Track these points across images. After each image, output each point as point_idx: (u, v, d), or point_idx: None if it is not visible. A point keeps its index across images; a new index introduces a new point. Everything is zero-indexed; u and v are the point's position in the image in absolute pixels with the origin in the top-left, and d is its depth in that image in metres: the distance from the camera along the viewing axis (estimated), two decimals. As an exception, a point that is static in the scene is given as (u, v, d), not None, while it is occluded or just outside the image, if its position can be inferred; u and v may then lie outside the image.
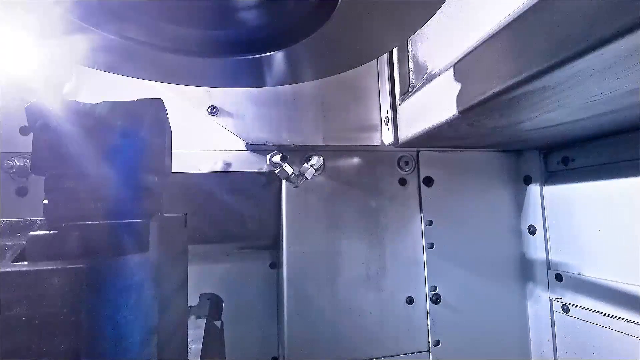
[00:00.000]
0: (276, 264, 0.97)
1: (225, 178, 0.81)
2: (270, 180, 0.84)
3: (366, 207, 0.88)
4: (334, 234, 0.86)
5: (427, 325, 0.88)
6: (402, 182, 0.91)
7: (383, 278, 0.87)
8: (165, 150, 0.32)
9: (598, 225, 0.79)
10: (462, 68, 0.59)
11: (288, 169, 0.74)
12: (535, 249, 0.92)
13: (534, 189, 0.92)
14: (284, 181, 0.83)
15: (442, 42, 0.69)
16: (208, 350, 0.51)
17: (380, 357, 0.84)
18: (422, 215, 0.91)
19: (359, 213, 0.87)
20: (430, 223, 0.90)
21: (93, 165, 0.29)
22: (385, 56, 0.84)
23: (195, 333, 0.52)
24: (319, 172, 0.82)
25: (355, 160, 0.88)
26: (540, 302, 0.91)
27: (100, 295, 0.23)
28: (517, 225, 0.96)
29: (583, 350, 0.80)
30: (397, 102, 0.82)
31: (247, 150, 0.81)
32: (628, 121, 0.65)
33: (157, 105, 0.31)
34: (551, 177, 0.90)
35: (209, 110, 0.78)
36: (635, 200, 0.71)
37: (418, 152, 0.92)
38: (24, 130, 0.74)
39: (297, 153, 0.84)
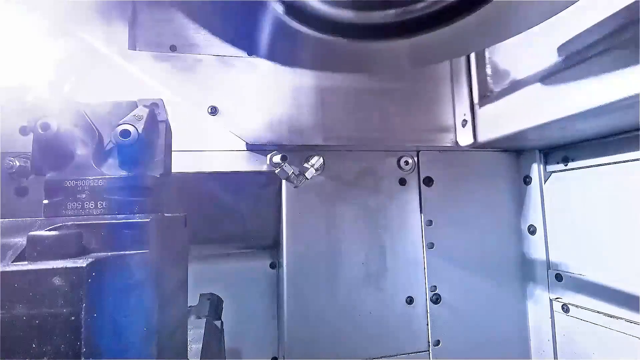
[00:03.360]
0: (276, 264, 0.97)
1: (225, 178, 0.81)
2: (270, 180, 0.84)
3: (366, 207, 0.88)
4: (334, 234, 0.86)
5: (427, 325, 0.88)
6: (402, 182, 0.91)
7: (383, 278, 0.87)
8: (165, 150, 0.32)
9: (598, 225, 0.79)
10: (564, 77, 0.63)
11: (288, 169, 0.74)
12: (535, 249, 0.92)
13: (534, 189, 0.92)
14: (284, 181, 0.83)
15: (526, 53, 0.75)
16: (208, 350, 0.51)
17: (380, 357, 0.84)
18: (422, 215, 0.90)
19: (359, 213, 0.87)
20: (430, 223, 0.90)
21: (93, 165, 0.29)
22: (463, 62, 0.90)
23: (195, 333, 0.52)
24: (319, 172, 0.82)
25: (356, 160, 0.88)
26: (540, 302, 0.91)
27: (101, 295, 0.23)
28: (517, 225, 0.96)
29: (583, 350, 0.80)
30: (476, 106, 0.86)
31: (247, 150, 0.81)
32: (628, 121, 0.65)
33: (158, 105, 0.31)
34: (551, 177, 0.90)
35: (209, 110, 0.78)
36: (635, 200, 0.71)
37: (418, 152, 0.92)
38: (23, 130, 0.74)
39: (297, 153, 0.84)
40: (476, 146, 0.87)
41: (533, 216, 0.93)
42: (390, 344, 0.85)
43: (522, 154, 0.95)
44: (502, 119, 0.77)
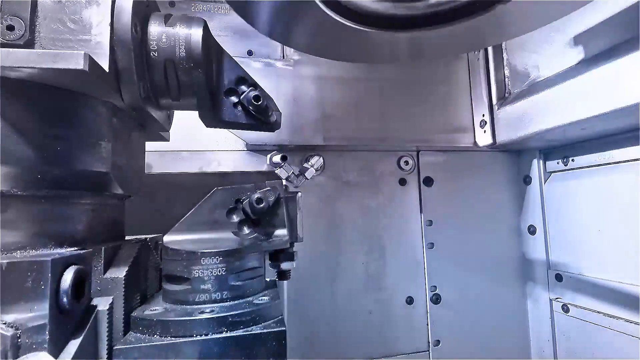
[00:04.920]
0: (276, 264, 0.97)
1: (226, 178, 0.81)
2: (270, 180, 0.84)
3: (366, 207, 0.88)
4: (334, 234, 0.86)
5: (427, 325, 0.88)
6: (402, 182, 0.91)
7: (383, 278, 0.87)
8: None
9: (598, 225, 0.79)
10: (587, 77, 0.63)
11: (288, 169, 0.73)
12: (535, 249, 0.92)
13: (534, 189, 0.92)
14: (284, 181, 0.83)
15: (548, 53, 0.77)
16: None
17: (380, 357, 0.84)
18: (422, 215, 0.90)
19: (359, 213, 0.87)
20: (430, 223, 0.90)
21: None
22: (481, 63, 0.91)
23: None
24: (319, 172, 0.82)
25: (356, 160, 0.88)
26: (540, 302, 0.91)
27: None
28: (517, 225, 0.96)
29: (583, 350, 0.80)
30: (495, 107, 0.87)
31: (247, 150, 0.81)
32: (628, 122, 0.65)
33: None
34: (551, 177, 0.90)
35: (209, 110, 0.78)
36: (635, 200, 0.71)
37: (418, 152, 0.92)
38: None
39: (297, 153, 0.84)
40: (495, 147, 0.88)
41: (533, 216, 0.93)
42: (390, 344, 0.85)
43: (522, 153, 0.95)
44: (523, 120, 0.78)
